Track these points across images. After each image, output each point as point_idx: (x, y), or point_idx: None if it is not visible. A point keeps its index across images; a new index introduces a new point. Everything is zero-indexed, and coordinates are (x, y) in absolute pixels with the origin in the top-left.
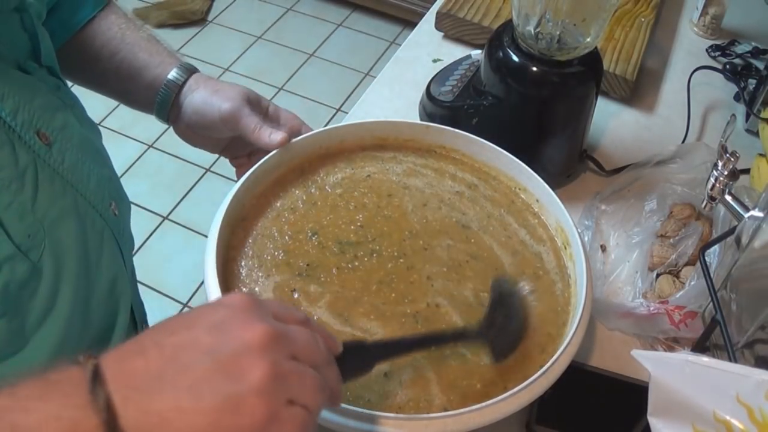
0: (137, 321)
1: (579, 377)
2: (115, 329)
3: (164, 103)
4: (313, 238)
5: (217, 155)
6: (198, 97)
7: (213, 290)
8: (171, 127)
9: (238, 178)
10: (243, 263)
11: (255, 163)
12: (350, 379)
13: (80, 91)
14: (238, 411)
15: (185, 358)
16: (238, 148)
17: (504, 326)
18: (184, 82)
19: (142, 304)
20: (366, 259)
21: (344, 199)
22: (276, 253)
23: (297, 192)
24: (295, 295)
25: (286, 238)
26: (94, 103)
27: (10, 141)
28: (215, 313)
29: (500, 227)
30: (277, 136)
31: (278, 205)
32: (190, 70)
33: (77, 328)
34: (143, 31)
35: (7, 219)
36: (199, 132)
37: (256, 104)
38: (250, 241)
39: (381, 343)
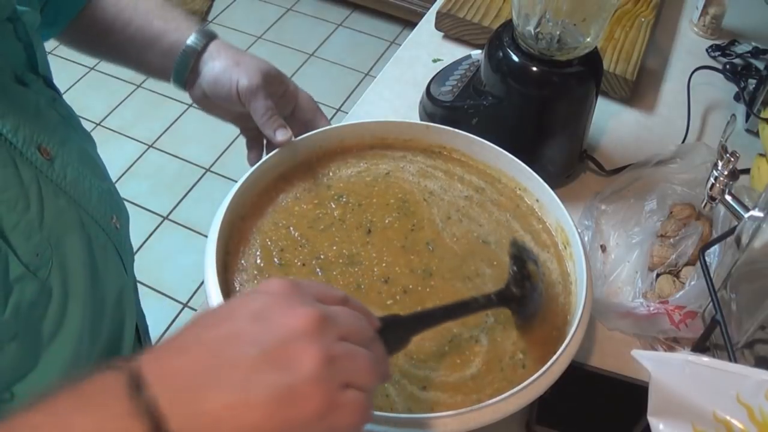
0: (139, 330)
1: (579, 377)
2: (123, 341)
3: (182, 68)
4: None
5: (215, 157)
6: (218, 66)
7: (213, 290)
8: (171, 126)
9: (249, 159)
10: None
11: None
12: (391, 353)
13: (79, 91)
14: (293, 402)
15: (230, 351)
16: (252, 119)
17: (526, 290)
18: (204, 48)
19: (143, 314)
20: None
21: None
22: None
23: (303, 185)
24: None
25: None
26: (94, 103)
27: (12, 159)
28: (255, 301)
29: (509, 238)
30: (281, 134)
31: (282, 196)
32: (209, 35)
33: (87, 344)
34: None
35: (15, 239)
36: (215, 101)
37: (275, 82)
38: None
39: (414, 316)
